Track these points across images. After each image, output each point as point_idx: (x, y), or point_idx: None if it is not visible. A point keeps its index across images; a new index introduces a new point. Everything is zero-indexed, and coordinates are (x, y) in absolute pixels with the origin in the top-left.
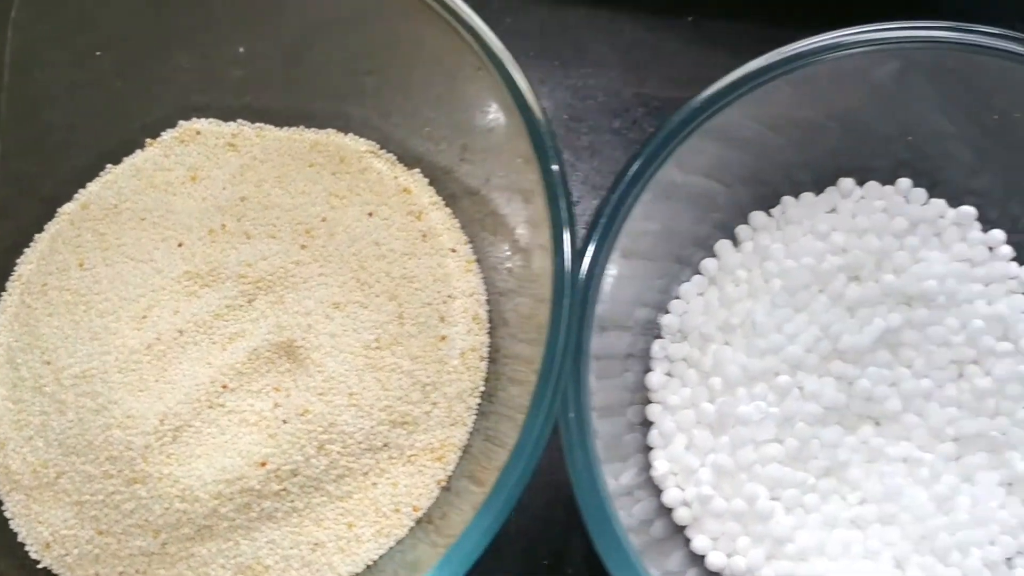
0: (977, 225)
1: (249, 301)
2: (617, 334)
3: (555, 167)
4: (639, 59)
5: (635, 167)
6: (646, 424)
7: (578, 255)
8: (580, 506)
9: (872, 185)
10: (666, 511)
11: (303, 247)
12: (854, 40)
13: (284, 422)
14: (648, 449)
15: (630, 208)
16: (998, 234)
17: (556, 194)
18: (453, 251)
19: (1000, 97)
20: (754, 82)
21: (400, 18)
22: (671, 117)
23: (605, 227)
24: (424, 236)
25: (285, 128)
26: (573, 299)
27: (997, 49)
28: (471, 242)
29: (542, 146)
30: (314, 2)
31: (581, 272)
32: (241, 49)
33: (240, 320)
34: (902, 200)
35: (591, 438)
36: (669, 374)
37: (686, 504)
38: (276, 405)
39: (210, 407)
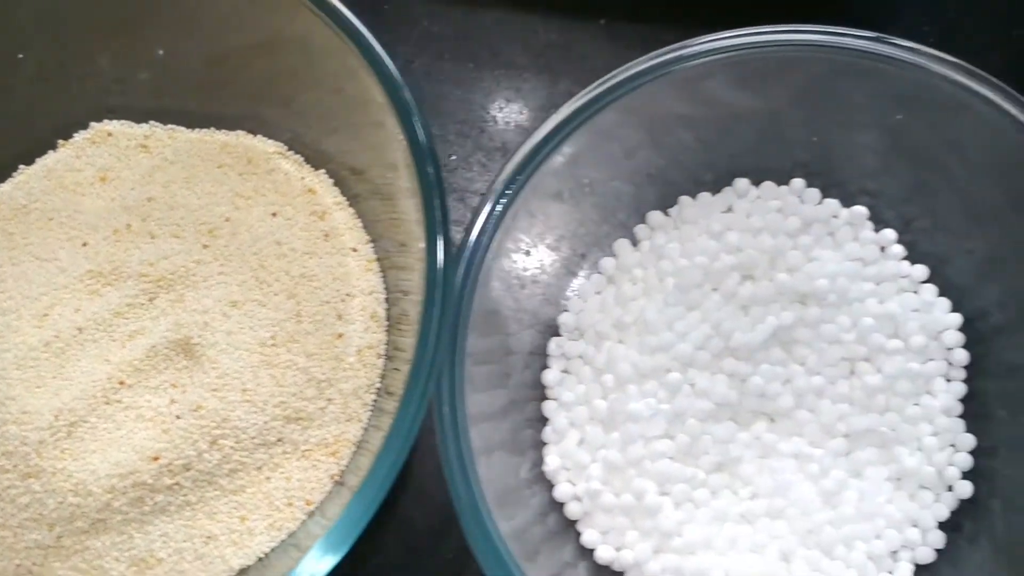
0: (869, 225)
1: (150, 299)
2: (519, 332)
3: (430, 170)
4: (551, 60)
5: (508, 170)
6: (544, 420)
7: (453, 257)
8: (452, 497)
9: (767, 185)
10: (559, 505)
11: (205, 247)
12: (736, 44)
13: (178, 417)
14: (544, 444)
15: (506, 210)
16: (889, 234)
17: (431, 196)
18: (354, 250)
19: (897, 101)
20: (633, 84)
21: (293, 25)
22: (547, 119)
23: (482, 228)
24: (326, 236)
25: (197, 130)
26: (446, 297)
27: (891, 58)
28: (374, 242)
29: (418, 150)
30: (229, 7)
31: (460, 272)
32: (161, 52)
33: (140, 318)
34: (796, 200)
35: (465, 433)
36: (566, 371)
37: (577, 499)
38: (172, 401)
39: (106, 403)
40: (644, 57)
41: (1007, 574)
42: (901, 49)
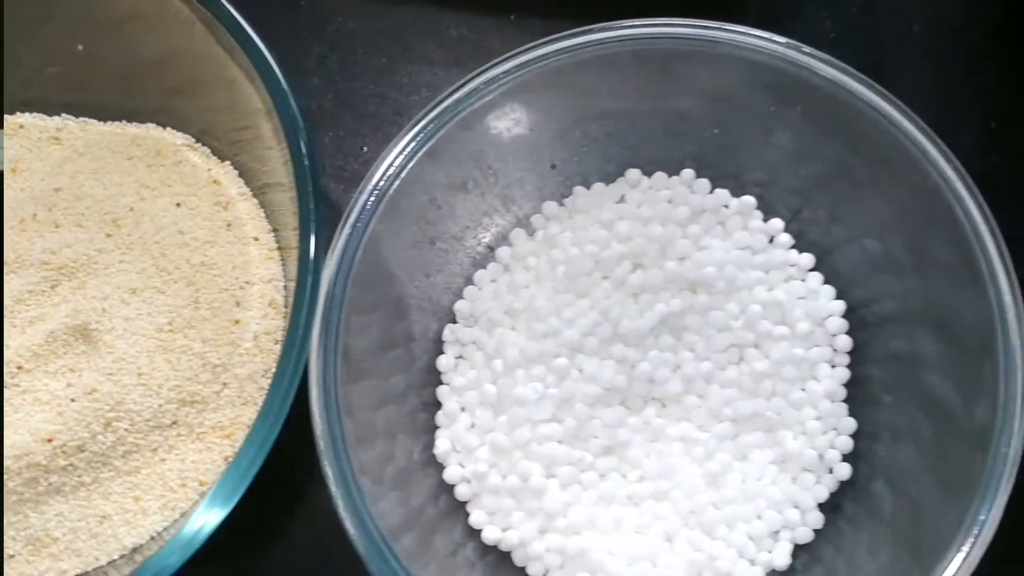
0: (758, 214)
1: (52, 287)
2: (423, 320)
3: (306, 163)
4: (463, 55)
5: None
6: (438, 405)
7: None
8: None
9: (659, 176)
10: (450, 487)
11: (108, 236)
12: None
13: (72, 400)
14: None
15: (379, 203)
16: (777, 223)
17: (304, 189)
18: (256, 239)
19: (791, 98)
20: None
21: (195, 24)
22: (424, 111)
23: (356, 219)
24: (229, 225)
25: (109, 123)
26: (315, 284)
27: (790, 60)
28: (277, 231)
29: (295, 143)
30: (145, 5)
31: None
32: (80, 47)
33: (41, 305)
34: (687, 190)
35: (337, 416)
36: (461, 357)
37: (466, 480)
38: (68, 385)
39: (5, 387)
40: (533, 44)
41: (886, 553)
42: (801, 53)
